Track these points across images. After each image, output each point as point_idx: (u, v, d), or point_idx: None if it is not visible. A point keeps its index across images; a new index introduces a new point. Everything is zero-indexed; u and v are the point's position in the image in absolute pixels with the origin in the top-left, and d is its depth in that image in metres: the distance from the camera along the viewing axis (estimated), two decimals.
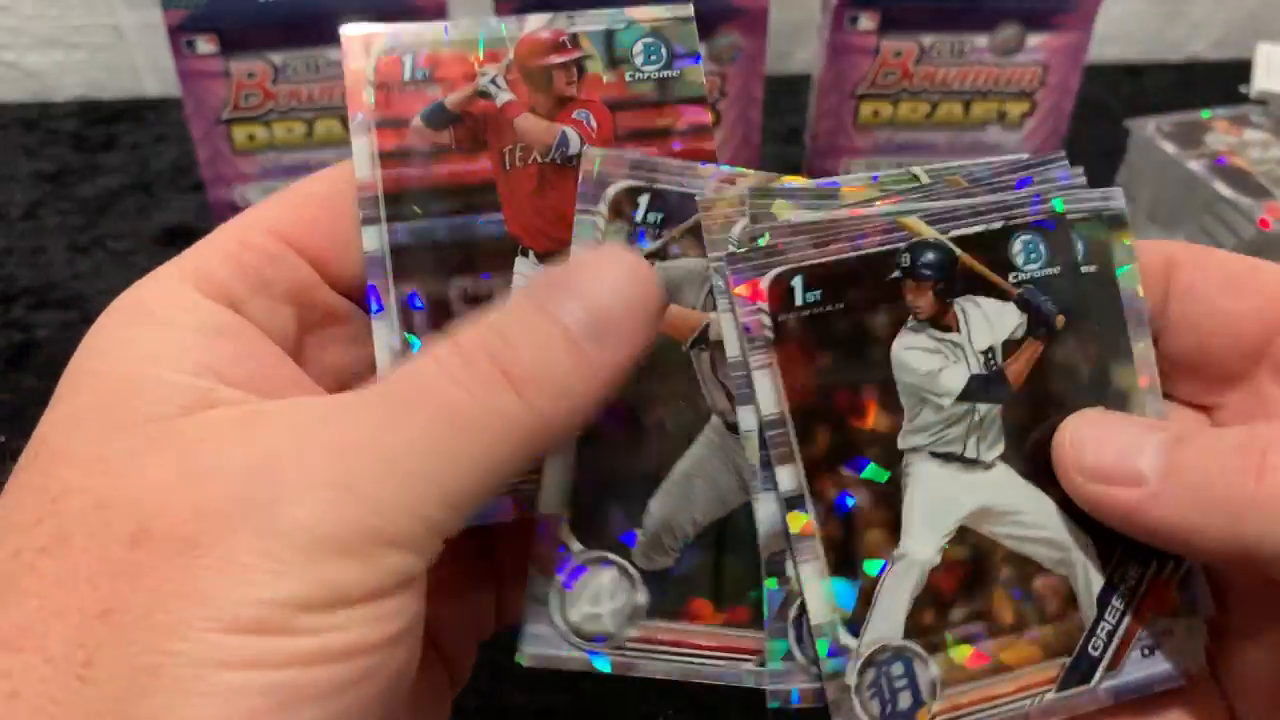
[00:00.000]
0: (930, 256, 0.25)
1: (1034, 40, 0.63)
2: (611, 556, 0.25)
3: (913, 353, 0.25)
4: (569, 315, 0.21)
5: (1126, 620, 0.25)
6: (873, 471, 0.24)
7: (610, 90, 0.26)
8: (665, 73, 0.26)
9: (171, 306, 0.23)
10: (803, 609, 0.24)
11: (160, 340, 0.22)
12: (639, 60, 0.26)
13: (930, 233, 0.25)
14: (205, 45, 0.59)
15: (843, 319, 0.24)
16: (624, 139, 0.26)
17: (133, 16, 0.75)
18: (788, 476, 0.24)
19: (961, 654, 0.24)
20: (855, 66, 0.62)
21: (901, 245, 0.25)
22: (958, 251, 0.25)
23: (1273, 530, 0.21)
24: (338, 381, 0.26)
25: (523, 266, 0.26)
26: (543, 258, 0.26)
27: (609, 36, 0.26)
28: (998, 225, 0.25)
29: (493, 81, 0.26)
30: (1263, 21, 0.85)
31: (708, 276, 0.25)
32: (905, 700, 0.24)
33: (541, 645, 0.25)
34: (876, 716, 0.24)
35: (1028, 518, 0.25)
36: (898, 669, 0.24)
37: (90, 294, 0.60)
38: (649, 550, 0.25)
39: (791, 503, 0.24)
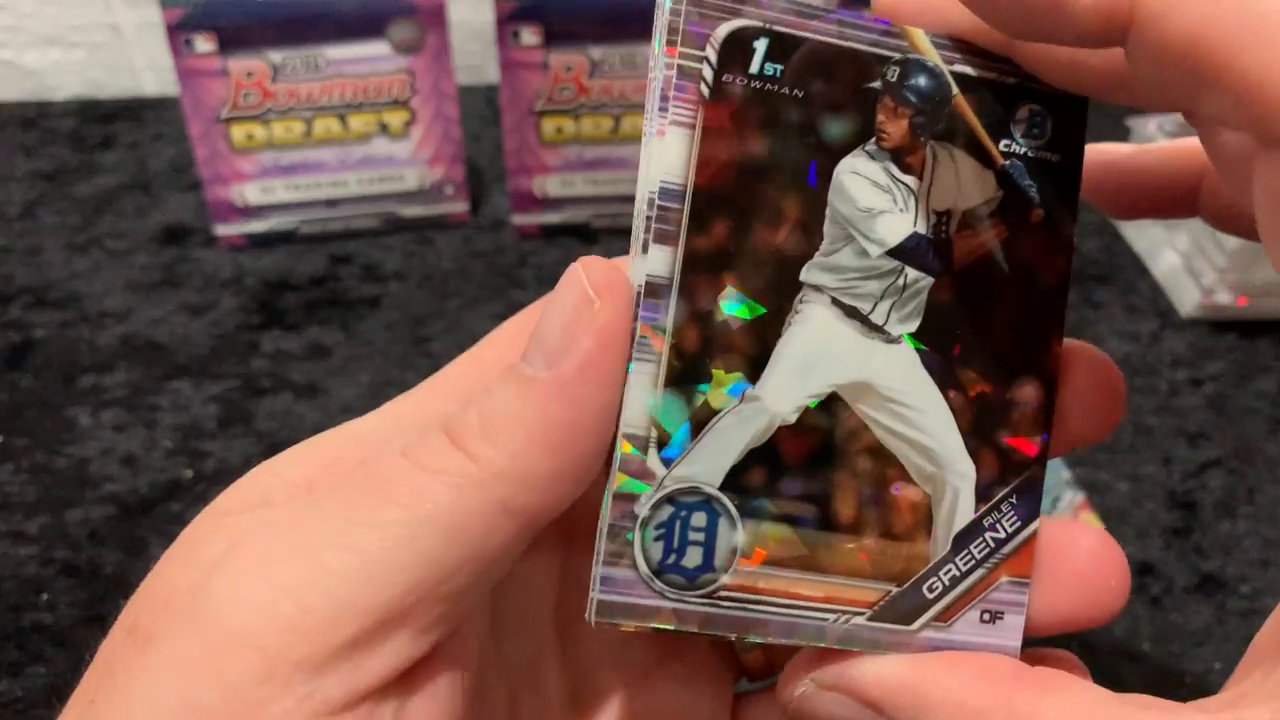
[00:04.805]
0: (921, 81, 0.21)
1: None
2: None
3: (858, 180, 0.21)
4: (527, 360, 0.20)
5: (979, 573, 0.21)
6: (762, 293, 0.21)
7: None
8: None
9: None
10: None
11: None
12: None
13: (933, 55, 0.21)
14: (204, 44, 0.59)
15: (795, 109, 0.20)
16: None
17: (131, 15, 0.75)
18: (661, 260, 0.20)
19: (776, 533, 0.20)
20: None
21: (895, 55, 0.21)
22: (955, 88, 0.21)
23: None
24: None
25: None
26: None
27: None
28: (1011, 80, 0.21)
29: None
30: None
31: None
32: (694, 558, 0.20)
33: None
34: (652, 563, 0.20)
35: (913, 414, 0.21)
36: (699, 519, 0.20)
37: (88, 293, 0.60)
38: None
39: (652, 290, 0.20)
